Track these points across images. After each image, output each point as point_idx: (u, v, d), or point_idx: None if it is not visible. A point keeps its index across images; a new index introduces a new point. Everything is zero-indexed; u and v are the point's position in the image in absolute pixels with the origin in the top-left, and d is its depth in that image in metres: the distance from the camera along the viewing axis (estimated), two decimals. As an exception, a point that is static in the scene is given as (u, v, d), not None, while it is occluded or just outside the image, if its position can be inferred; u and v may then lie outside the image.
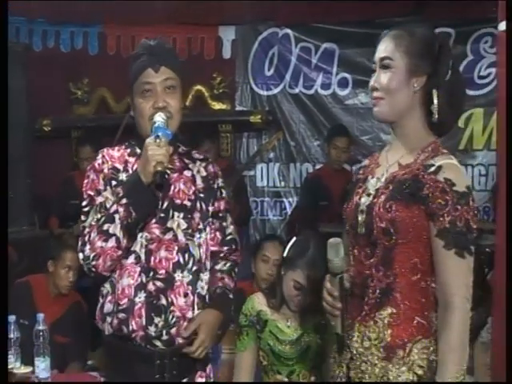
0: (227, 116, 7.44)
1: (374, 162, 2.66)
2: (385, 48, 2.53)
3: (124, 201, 2.63)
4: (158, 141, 2.61)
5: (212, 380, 2.89)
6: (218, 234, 2.89)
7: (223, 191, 2.93)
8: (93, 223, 2.70)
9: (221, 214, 2.90)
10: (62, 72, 7.28)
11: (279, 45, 7.30)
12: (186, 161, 2.88)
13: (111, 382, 2.77)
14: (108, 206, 2.70)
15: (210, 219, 2.86)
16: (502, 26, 2.91)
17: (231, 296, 2.89)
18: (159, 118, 2.68)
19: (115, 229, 2.63)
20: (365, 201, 2.53)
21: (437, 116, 2.51)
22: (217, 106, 7.46)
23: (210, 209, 2.86)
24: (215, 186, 2.90)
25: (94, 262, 2.67)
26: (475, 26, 6.65)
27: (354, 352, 2.50)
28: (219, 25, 7.35)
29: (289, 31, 7.26)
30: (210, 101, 7.43)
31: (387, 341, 2.46)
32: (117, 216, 2.63)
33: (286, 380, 3.31)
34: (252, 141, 7.48)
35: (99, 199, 2.76)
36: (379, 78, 2.52)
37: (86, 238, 2.69)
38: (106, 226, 2.64)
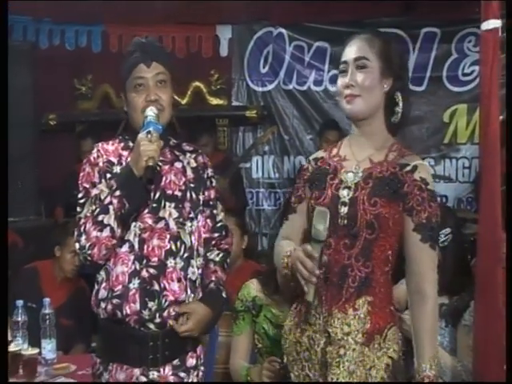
0: (224, 111, 7.44)
1: (335, 155, 2.65)
2: (358, 49, 2.56)
3: (117, 193, 2.64)
4: (149, 136, 2.63)
5: (202, 360, 2.90)
6: (208, 221, 2.90)
7: (213, 180, 2.94)
8: (88, 214, 2.71)
9: (211, 203, 2.91)
10: (67, 69, 7.28)
11: (274, 43, 7.30)
12: (177, 153, 2.90)
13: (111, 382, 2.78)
14: (102, 197, 2.71)
15: (201, 208, 2.86)
16: (485, 25, 2.91)
17: (224, 294, 2.90)
18: (151, 112, 2.70)
19: (109, 219, 2.65)
20: (346, 193, 2.53)
21: (400, 117, 2.56)
22: (214, 101, 7.46)
23: (201, 198, 2.87)
24: (205, 175, 2.91)
25: (89, 251, 2.69)
26: (459, 26, 6.67)
27: (333, 337, 2.50)
28: (216, 24, 7.35)
29: (283, 30, 7.26)
30: (208, 96, 7.44)
31: (367, 327, 2.49)
32: (111, 207, 2.64)
33: (279, 361, 3.32)
34: (248, 134, 7.49)
35: (94, 191, 2.77)
36: (354, 76, 2.54)
37: (82, 229, 2.70)
38: (100, 217, 2.66)
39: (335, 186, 2.56)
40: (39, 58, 6.80)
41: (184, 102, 7.32)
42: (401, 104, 2.58)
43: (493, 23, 2.89)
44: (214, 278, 2.89)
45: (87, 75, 7.49)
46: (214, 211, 2.92)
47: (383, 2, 6.42)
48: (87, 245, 2.68)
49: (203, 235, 2.88)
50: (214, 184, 2.94)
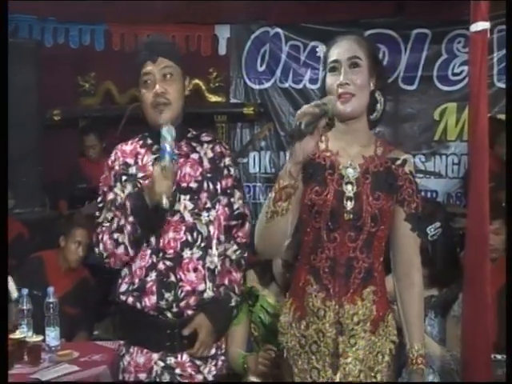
0: (222, 108, 7.44)
1: (325, 150, 2.57)
2: (350, 48, 2.52)
3: (131, 218, 2.66)
4: (164, 172, 2.60)
5: (223, 350, 2.87)
6: (226, 209, 2.83)
7: (231, 169, 2.86)
8: (105, 224, 2.75)
9: (229, 191, 2.83)
10: (71, 66, 7.27)
11: (270, 43, 7.30)
12: (194, 144, 2.87)
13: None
14: (117, 203, 2.74)
15: (219, 197, 2.81)
16: (474, 27, 2.91)
17: (233, 301, 2.83)
18: (167, 134, 2.65)
19: (124, 239, 2.68)
20: (351, 188, 2.51)
21: (380, 115, 2.59)
22: (213, 98, 7.46)
23: (218, 187, 2.81)
24: (222, 165, 2.84)
25: (106, 260, 2.75)
26: (449, 28, 6.68)
27: (345, 327, 2.49)
28: (215, 24, 7.35)
29: (279, 30, 7.26)
30: (207, 94, 7.44)
31: (374, 315, 2.51)
32: (125, 230, 2.67)
33: (274, 349, 3.32)
34: (245, 131, 7.49)
35: (110, 196, 2.79)
36: (348, 75, 2.48)
37: (100, 237, 2.74)
38: (116, 235, 2.70)
39: (336, 181, 2.52)
40: (44, 56, 6.79)
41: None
42: (382, 101, 2.58)
43: (481, 25, 2.89)
44: (226, 282, 2.83)
45: (90, 72, 7.48)
46: (231, 199, 2.85)
47: (377, 4, 6.42)
48: (104, 254, 2.73)
49: (223, 223, 2.83)
50: (231, 173, 2.86)
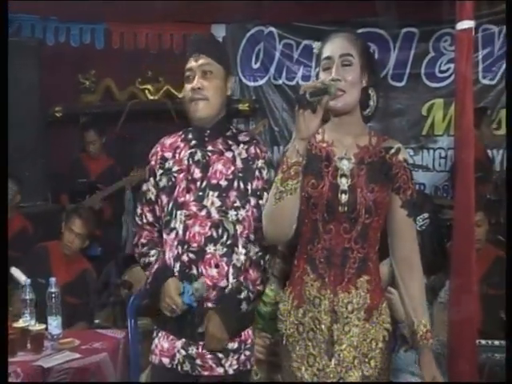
0: (218, 104, 7.43)
1: (321, 140, 2.56)
2: (342, 46, 2.50)
3: (150, 280, 2.81)
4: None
5: (248, 345, 2.82)
6: (255, 210, 2.75)
7: (262, 171, 2.78)
8: (138, 219, 2.90)
9: (258, 193, 2.76)
10: (72, 64, 7.25)
11: (265, 41, 7.31)
12: (230, 142, 2.80)
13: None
14: (147, 197, 2.83)
15: (250, 197, 2.75)
16: (460, 25, 2.91)
17: (243, 295, 2.73)
18: (197, 285, 2.68)
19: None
20: (345, 182, 2.49)
21: (374, 110, 2.57)
22: (209, 95, 7.45)
23: (249, 188, 2.75)
24: (254, 166, 2.76)
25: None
26: (436, 27, 6.72)
27: (339, 315, 2.49)
28: (212, 23, 7.33)
29: (273, 29, 7.27)
30: (204, 90, 7.42)
31: (368, 304, 2.50)
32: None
33: (269, 336, 3.32)
34: (240, 126, 7.48)
35: (144, 187, 2.87)
36: (340, 72, 2.47)
37: (136, 239, 2.92)
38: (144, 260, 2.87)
39: (331, 173, 2.51)
40: (46, 54, 6.80)
41: (181, 95, 7.29)
42: (375, 98, 2.56)
43: (467, 23, 2.89)
44: (242, 279, 2.74)
45: (91, 70, 7.45)
46: (260, 201, 2.74)
47: (367, 4, 6.42)
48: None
49: (253, 223, 2.76)
50: (263, 175, 2.78)
